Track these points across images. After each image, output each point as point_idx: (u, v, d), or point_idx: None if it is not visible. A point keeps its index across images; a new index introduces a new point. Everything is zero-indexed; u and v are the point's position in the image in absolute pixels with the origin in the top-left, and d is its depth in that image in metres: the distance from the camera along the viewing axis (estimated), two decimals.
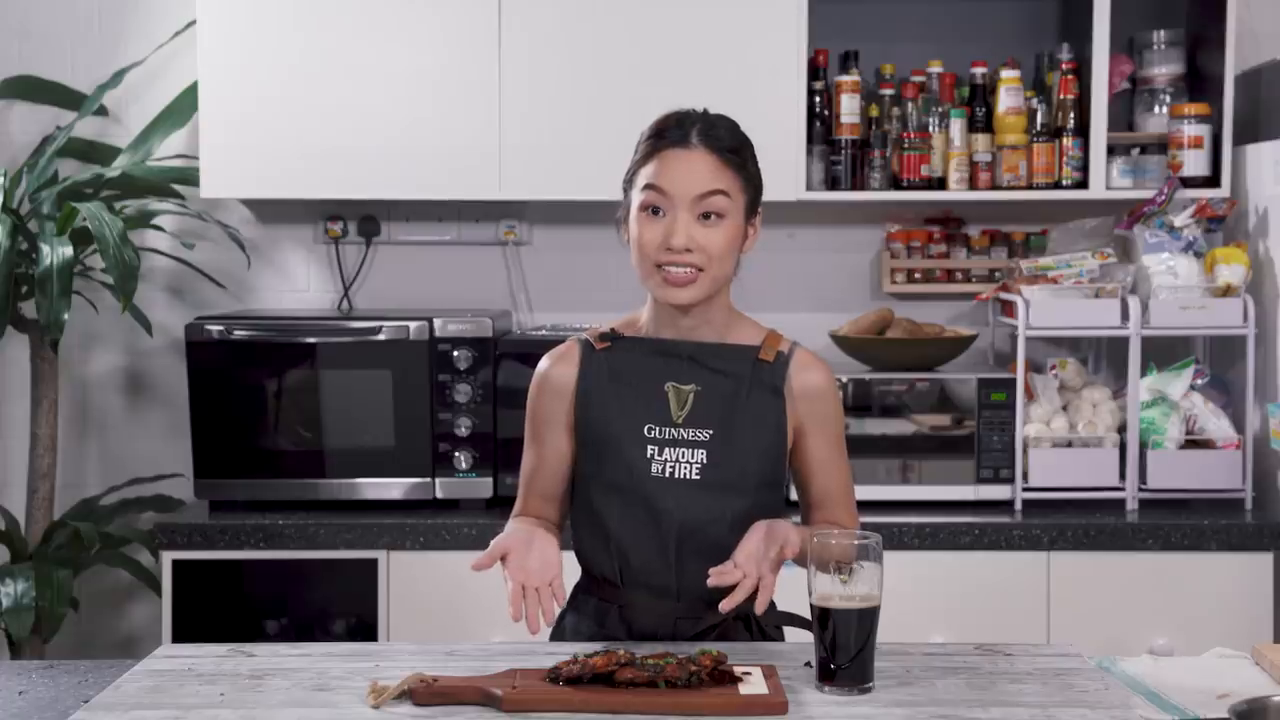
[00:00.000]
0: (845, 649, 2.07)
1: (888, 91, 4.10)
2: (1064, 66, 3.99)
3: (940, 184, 4.03)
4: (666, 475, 2.34)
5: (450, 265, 4.30)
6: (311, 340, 3.84)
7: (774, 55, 3.89)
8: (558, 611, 2.24)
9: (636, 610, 2.38)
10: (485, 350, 3.81)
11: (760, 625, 2.41)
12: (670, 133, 2.33)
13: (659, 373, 2.38)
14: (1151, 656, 2.43)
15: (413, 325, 3.81)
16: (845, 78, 4.02)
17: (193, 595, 3.71)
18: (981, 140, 4.02)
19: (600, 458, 2.38)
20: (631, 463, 2.35)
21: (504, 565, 2.23)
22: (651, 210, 2.32)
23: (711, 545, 2.32)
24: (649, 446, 2.35)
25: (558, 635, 2.47)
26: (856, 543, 2.09)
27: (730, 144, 2.34)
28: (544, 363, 2.45)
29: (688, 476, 2.34)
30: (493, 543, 2.27)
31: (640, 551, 2.36)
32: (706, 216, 2.31)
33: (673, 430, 2.36)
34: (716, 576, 2.19)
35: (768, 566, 2.20)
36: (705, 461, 2.35)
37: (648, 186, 2.32)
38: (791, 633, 2.45)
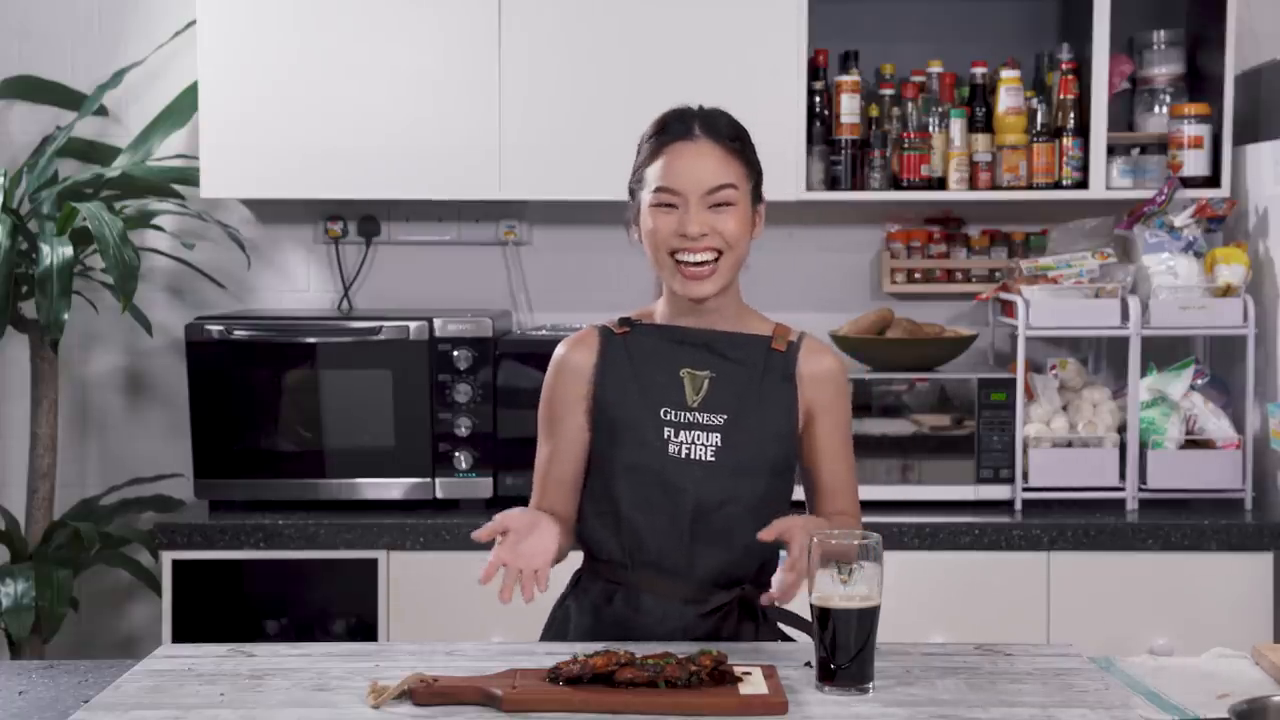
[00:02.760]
0: (845, 649, 2.07)
1: (888, 91, 4.10)
2: (1064, 66, 3.99)
3: (940, 184, 4.03)
4: (682, 456, 2.38)
5: (450, 265, 4.30)
6: (311, 340, 3.84)
7: (774, 55, 3.89)
8: (537, 595, 2.22)
9: (644, 591, 2.39)
10: (485, 350, 3.81)
11: (765, 614, 2.42)
12: (672, 127, 2.40)
13: (675, 359, 2.43)
14: (1151, 656, 2.43)
15: (413, 325, 3.81)
16: (845, 78, 4.02)
17: (193, 595, 3.71)
18: (981, 140, 4.02)
19: (617, 439, 2.41)
20: (648, 443, 2.38)
21: (499, 540, 2.23)
22: (665, 206, 2.38)
23: (724, 528, 2.37)
24: (665, 428, 2.39)
25: (561, 622, 2.48)
26: (856, 543, 2.10)
27: (731, 133, 2.41)
28: (561, 348, 2.49)
29: (703, 458, 2.38)
30: (498, 516, 2.26)
31: (654, 532, 2.39)
32: (718, 206, 2.37)
33: (688, 414, 2.40)
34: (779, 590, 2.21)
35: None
36: (720, 444, 2.38)
37: (659, 189, 2.37)
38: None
